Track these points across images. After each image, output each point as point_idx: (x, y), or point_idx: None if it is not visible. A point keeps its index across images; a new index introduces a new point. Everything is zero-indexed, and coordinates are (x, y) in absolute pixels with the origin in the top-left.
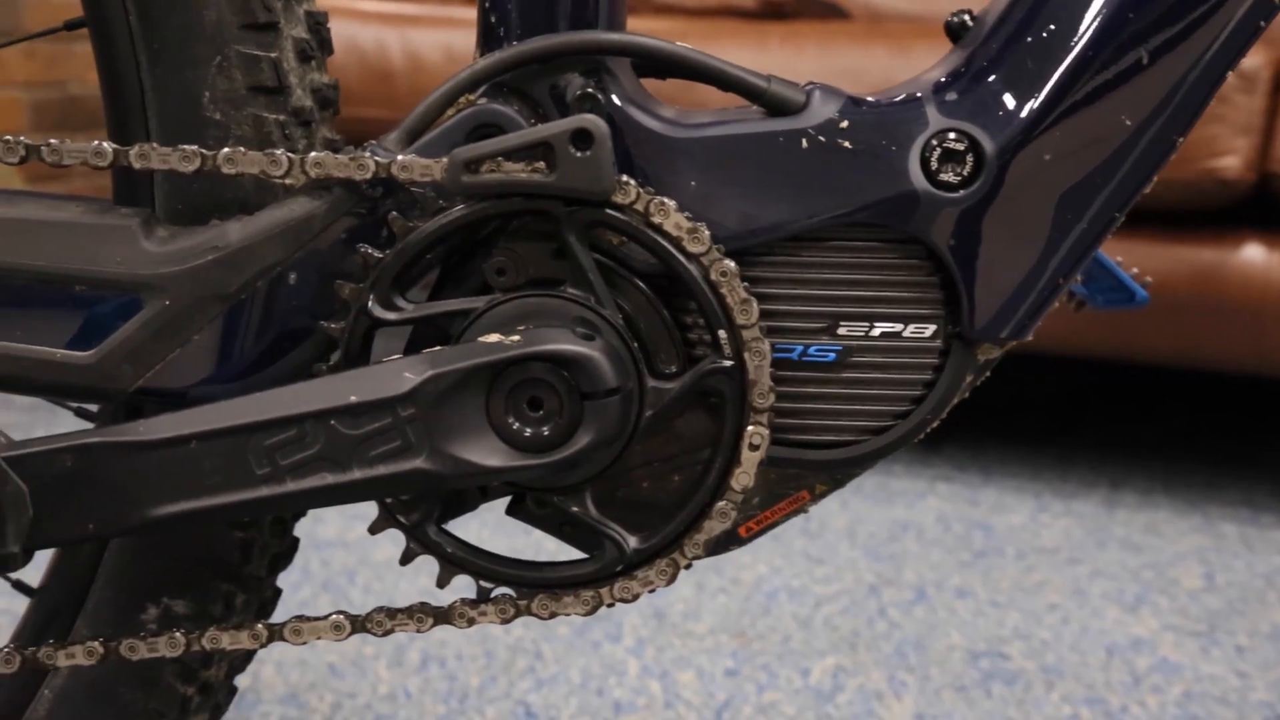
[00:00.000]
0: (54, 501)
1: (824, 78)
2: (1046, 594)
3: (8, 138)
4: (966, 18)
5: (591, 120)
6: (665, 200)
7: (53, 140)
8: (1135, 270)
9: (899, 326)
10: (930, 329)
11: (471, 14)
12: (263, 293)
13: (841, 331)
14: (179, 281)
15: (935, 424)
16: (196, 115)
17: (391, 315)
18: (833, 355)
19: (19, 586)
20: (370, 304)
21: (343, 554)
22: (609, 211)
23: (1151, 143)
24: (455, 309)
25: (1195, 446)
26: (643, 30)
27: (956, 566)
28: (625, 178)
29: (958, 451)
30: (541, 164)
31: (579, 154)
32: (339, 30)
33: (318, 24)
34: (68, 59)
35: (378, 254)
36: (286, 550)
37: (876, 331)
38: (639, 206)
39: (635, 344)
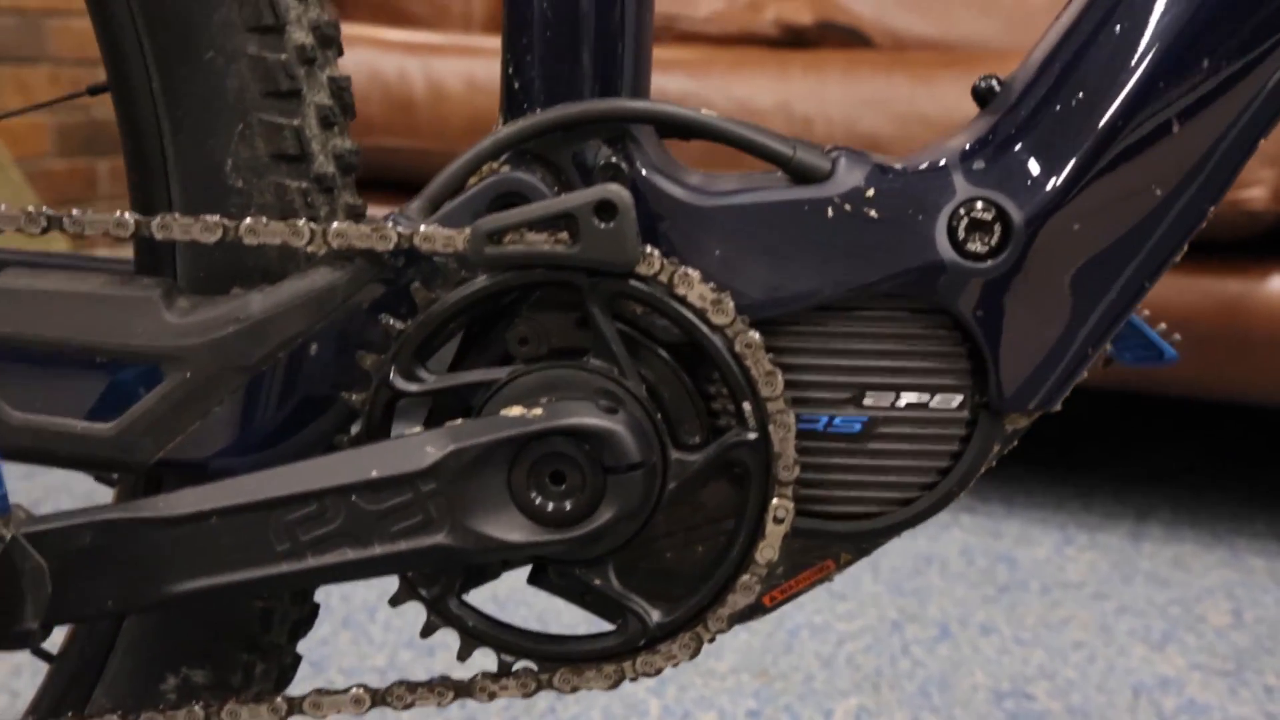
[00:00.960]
0: (74, 578)
1: (847, 107)
2: (1072, 630)
3: (30, 209)
4: (994, 83)
5: (615, 191)
6: (689, 271)
7: (75, 211)
8: (1163, 326)
9: (925, 397)
10: (957, 400)
11: (494, 43)
12: (284, 363)
13: (867, 402)
14: (200, 354)
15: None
16: (219, 183)
17: (413, 386)
18: (858, 426)
19: (38, 652)
20: (392, 375)
21: (363, 589)
22: (633, 283)
23: (1183, 212)
24: (477, 380)
25: (1222, 478)
26: (668, 60)
27: (981, 602)
28: (649, 248)
29: (980, 482)
30: (565, 234)
31: (602, 225)
32: (361, 59)
33: (340, 89)
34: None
35: (399, 325)
36: (307, 617)
37: (902, 402)
38: (663, 277)
39: (659, 415)
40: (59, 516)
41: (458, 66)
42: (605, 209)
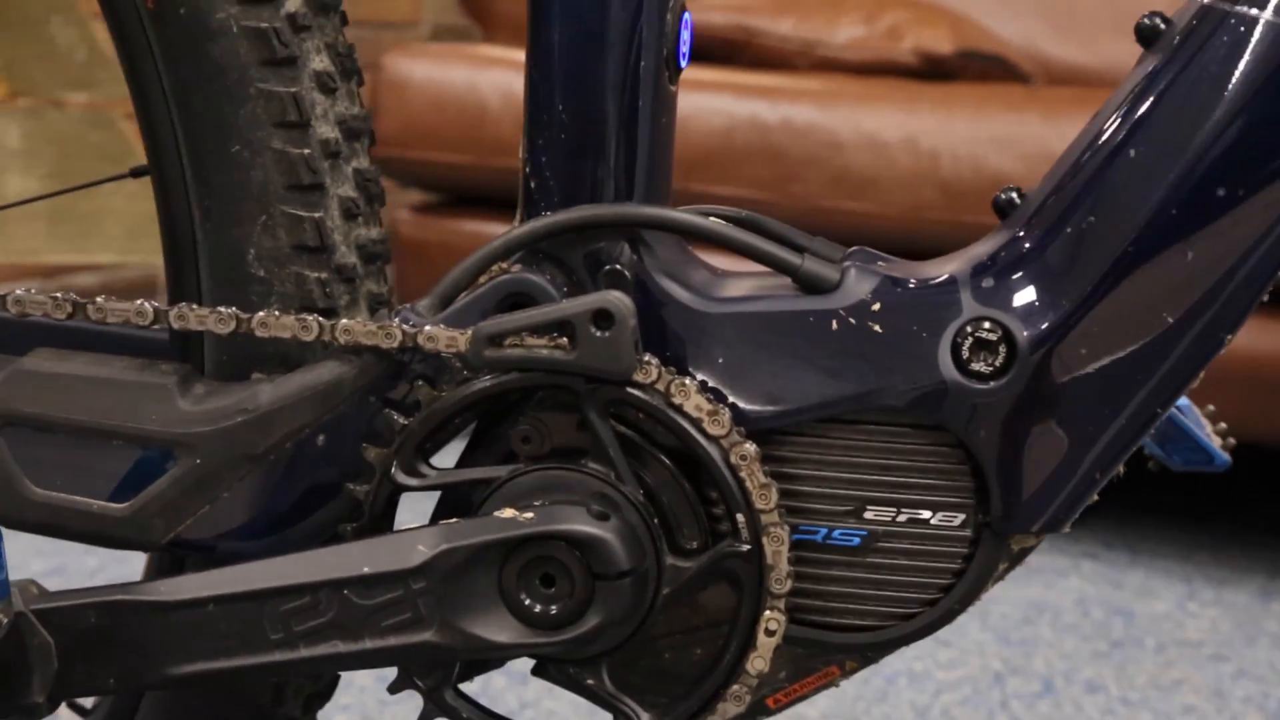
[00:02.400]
0: (79, 655)
1: (974, 144)
2: (1184, 694)
3: (56, 295)
4: (1015, 195)
5: (613, 300)
6: (685, 381)
7: (99, 298)
8: (1223, 425)
9: (927, 514)
10: (959, 518)
11: None
12: (291, 452)
13: (868, 516)
14: (210, 441)
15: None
16: (242, 271)
17: (414, 481)
18: (857, 540)
19: (73, 706)
20: (394, 470)
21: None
22: (630, 390)
23: (1196, 340)
24: (476, 478)
25: None
26: (796, 90)
27: (1090, 656)
28: (647, 357)
29: (1106, 527)
30: (564, 340)
31: (599, 334)
32: (497, 80)
33: (367, 180)
34: None
35: (403, 420)
36: (324, 690)
37: (903, 517)
38: (660, 386)
39: (656, 520)
40: (68, 594)
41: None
42: (602, 318)
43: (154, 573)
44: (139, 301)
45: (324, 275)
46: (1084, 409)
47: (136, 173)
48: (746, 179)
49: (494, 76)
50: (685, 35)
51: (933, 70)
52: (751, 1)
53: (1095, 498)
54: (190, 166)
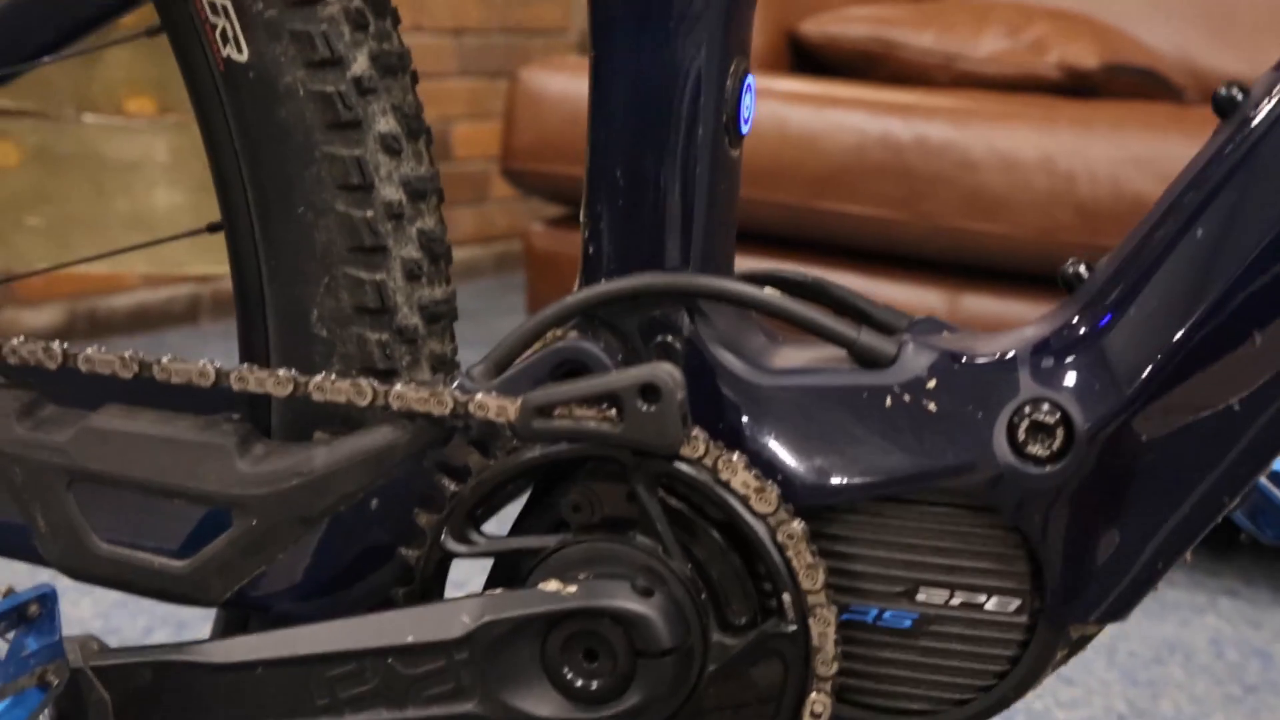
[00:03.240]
0: (133, 711)
1: (1113, 165)
2: None
3: (125, 354)
4: (1082, 268)
5: (660, 374)
6: (733, 457)
7: (164, 358)
8: None
9: (981, 598)
10: (1015, 603)
11: (780, 85)
12: (345, 516)
13: (920, 598)
14: (265, 503)
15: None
16: (305, 330)
17: (463, 549)
18: (909, 622)
19: None
20: (444, 537)
21: None
22: (677, 464)
23: (1266, 428)
24: (525, 547)
25: None
26: (929, 106)
27: (1221, 701)
28: (695, 431)
29: (1248, 561)
30: (614, 411)
31: (646, 408)
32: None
33: (431, 241)
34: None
35: (454, 487)
36: None
37: (957, 601)
38: (707, 461)
39: (704, 595)
40: (125, 652)
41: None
42: (649, 391)
43: (220, 629)
44: (202, 362)
45: (385, 337)
46: (1145, 498)
47: (213, 228)
48: (877, 197)
49: None
50: (748, 100)
51: (1077, 86)
52: (892, 13)
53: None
54: (259, 225)
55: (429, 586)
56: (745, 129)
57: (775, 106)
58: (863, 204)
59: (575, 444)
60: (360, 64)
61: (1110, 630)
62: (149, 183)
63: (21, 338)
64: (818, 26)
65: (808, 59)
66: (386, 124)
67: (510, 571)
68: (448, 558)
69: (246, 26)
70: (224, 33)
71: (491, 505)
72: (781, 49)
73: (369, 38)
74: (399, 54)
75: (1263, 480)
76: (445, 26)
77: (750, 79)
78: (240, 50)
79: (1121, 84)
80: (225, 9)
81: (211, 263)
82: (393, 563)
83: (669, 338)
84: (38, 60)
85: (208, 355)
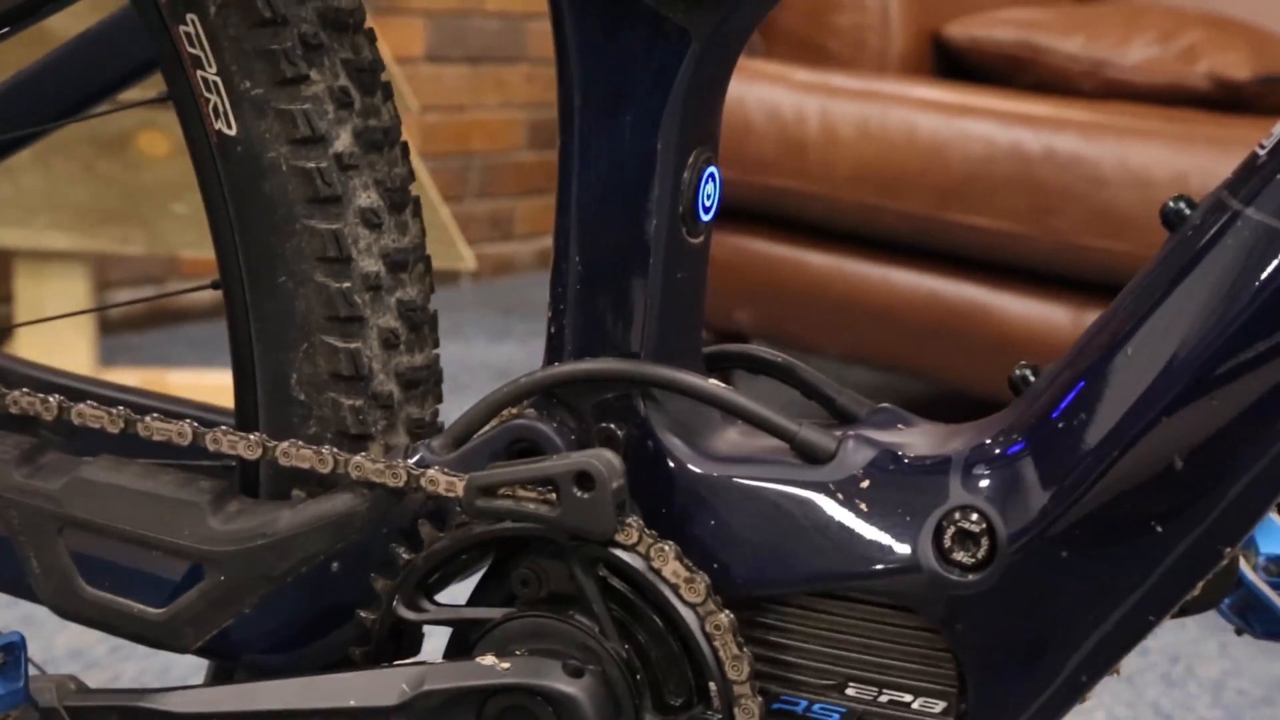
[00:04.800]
0: None
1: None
2: None
3: (114, 409)
4: (1029, 373)
5: (595, 463)
6: (665, 546)
7: (148, 417)
8: None
9: (908, 697)
10: (940, 705)
11: (894, 88)
12: (307, 576)
13: (849, 692)
14: (233, 560)
15: None
16: (285, 393)
17: (414, 616)
18: (837, 716)
19: None
20: (396, 603)
21: None
22: (613, 550)
23: (1189, 552)
24: (473, 618)
25: None
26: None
27: None
28: (631, 519)
29: None
30: (554, 494)
31: (581, 494)
32: (763, 95)
33: (411, 310)
34: None
35: (407, 555)
36: None
37: (885, 699)
38: (640, 549)
39: (641, 676)
40: (98, 694)
41: (851, 110)
42: (584, 479)
43: (210, 677)
44: (182, 423)
45: (359, 403)
46: (1068, 613)
47: (216, 285)
48: (1003, 210)
49: (760, 93)
50: (709, 189)
51: (1227, 98)
52: (1041, 17)
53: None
54: (248, 289)
55: (384, 649)
56: (706, 217)
57: (905, 114)
58: (988, 216)
59: (519, 523)
60: (343, 141)
61: (1219, 666)
62: None
63: (24, 390)
64: (963, 29)
65: (951, 62)
66: (367, 199)
67: (462, 640)
68: (399, 624)
69: (234, 103)
70: (215, 108)
71: (448, 574)
72: (924, 52)
73: (353, 115)
74: (385, 129)
75: (1248, 575)
76: None
77: (713, 169)
78: (230, 125)
79: (1275, 98)
80: (216, 85)
81: None
82: (353, 622)
83: (613, 424)
84: (57, 123)
85: None
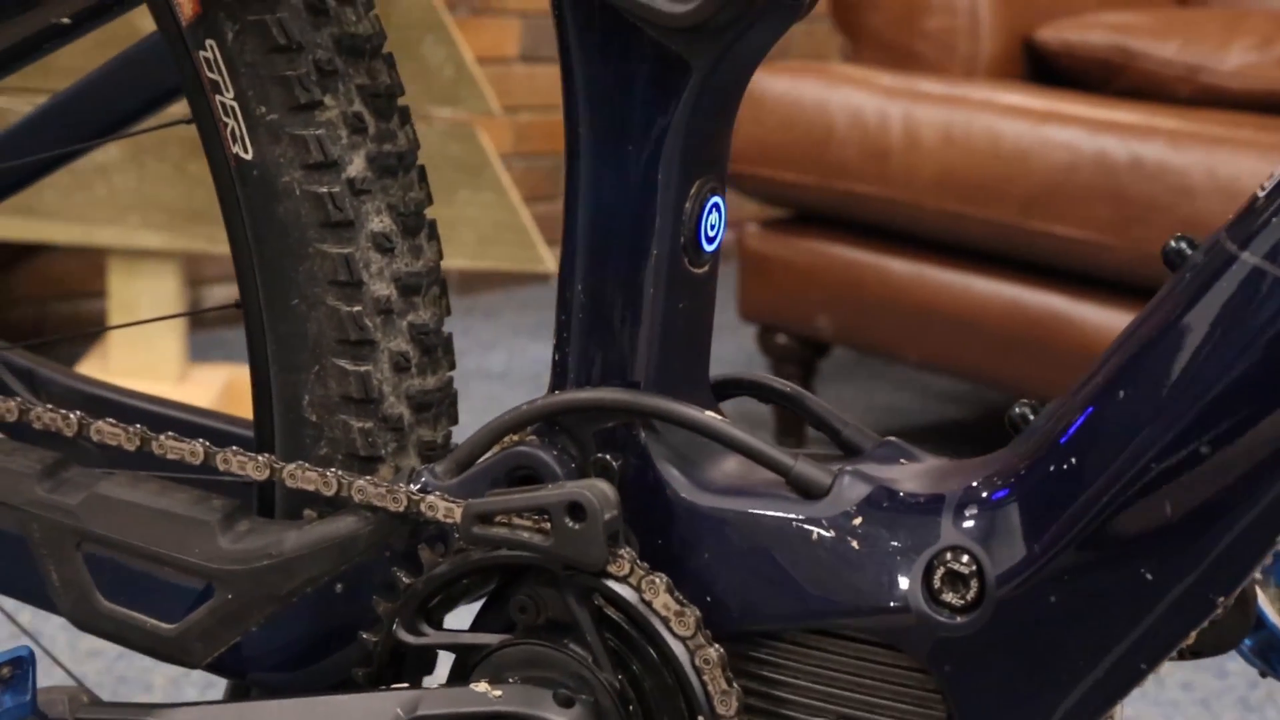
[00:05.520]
0: None
1: None
2: None
3: (131, 428)
4: (1028, 411)
5: (587, 494)
6: (656, 579)
7: (163, 436)
8: None
9: None
10: None
11: (981, 94)
12: (312, 597)
13: None
14: (240, 579)
15: None
16: (298, 414)
17: (412, 639)
18: None
19: None
20: (396, 627)
21: None
22: (605, 580)
23: (1180, 601)
24: (470, 643)
25: None
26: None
27: None
28: (623, 550)
29: None
30: (547, 524)
31: (572, 525)
32: (846, 100)
33: (423, 334)
34: None
35: (406, 579)
36: None
37: None
38: (632, 580)
39: (634, 706)
40: (108, 707)
41: (935, 116)
42: (576, 510)
43: (228, 693)
44: (194, 442)
45: (369, 425)
46: (1056, 659)
47: (238, 305)
48: (1086, 219)
49: (844, 97)
50: (713, 219)
51: None
52: (1136, 21)
53: None
54: (264, 311)
55: (385, 671)
56: (710, 247)
57: (989, 120)
58: (1072, 225)
59: (514, 551)
60: (356, 165)
61: None
62: None
63: (47, 406)
64: (1055, 33)
65: (1043, 67)
66: (380, 223)
67: (462, 664)
68: (399, 647)
69: (251, 128)
70: (233, 132)
71: (450, 598)
72: (1015, 56)
73: (367, 140)
74: (400, 153)
75: (1269, 615)
76: None
77: (716, 199)
78: (246, 150)
79: None
80: (234, 110)
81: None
82: (356, 644)
83: (610, 454)
84: (87, 145)
85: (448, 329)
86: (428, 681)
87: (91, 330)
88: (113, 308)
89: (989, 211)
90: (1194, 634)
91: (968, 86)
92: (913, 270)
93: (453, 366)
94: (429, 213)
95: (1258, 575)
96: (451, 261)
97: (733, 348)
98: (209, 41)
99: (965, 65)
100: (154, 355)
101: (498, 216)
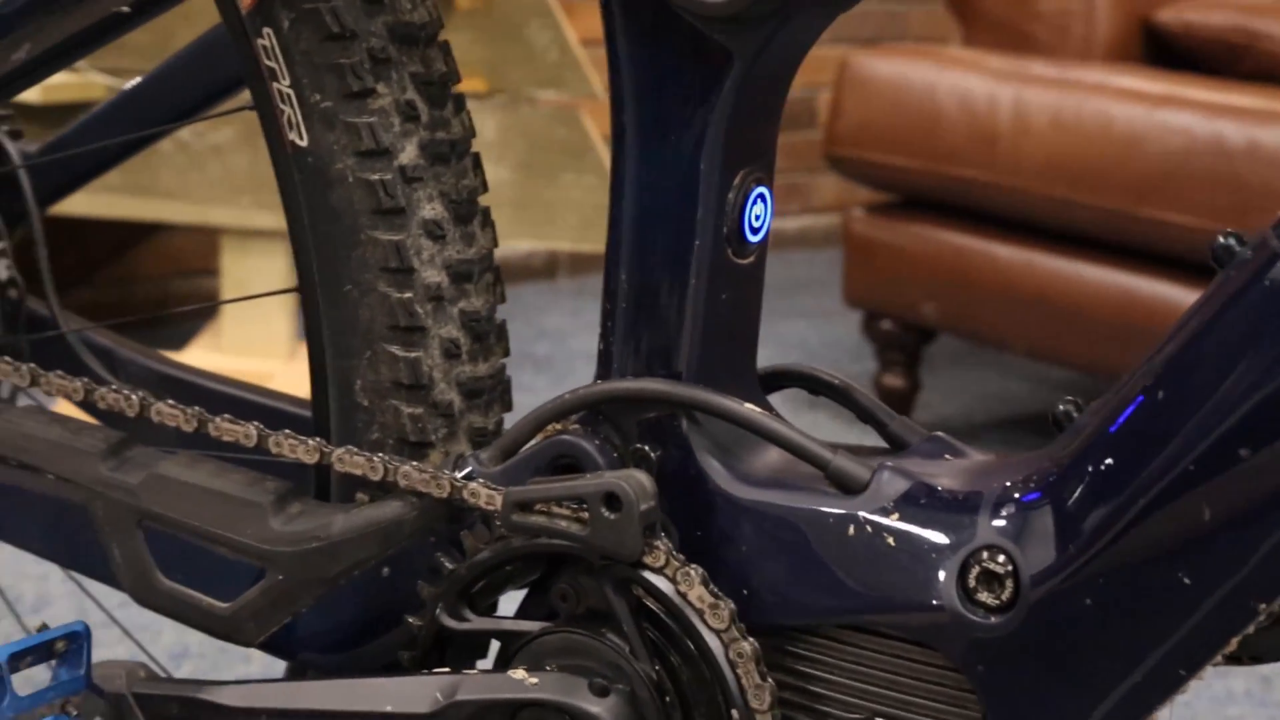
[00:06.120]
0: None
1: None
2: None
3: (189, 409)
4: (1073, 409)
5: (623, 484)
6: (690, 571)
7: (219, 418)
8: None
9: None
10: None
11: (1093, 76)
12: (360, 580)
13: None
14: (290, 560)
15: None
16: (351, 399)
17: (455, 624)
18: None
19: None
20: (439, 612)
21: None
22: (642, 571)
23: (1220, 607)
24: (512, 630)
25: None
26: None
27: None
28: (659, 541)
29: None
30: (585, 514)
31: (609, 515)
32: (955, 83)
33: (474, 320)
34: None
35: (450, 565)
36: None
37: None
38: (668, 572)
39: (670, 697)
40: (163, 683)
41: (1046, 99)
42: (612, 500)
43: (288, 672)
44: (249, 425)
45: (419, 411)
46: (1091, 664)
47: (296, 289)
48: (1201, 206)
49: (953, 80)
50: (758, 210)
51: None
52: (1260, 1)
53: None
54: (321, 296)
55: (430, 655)
56: (755, 238)
57: (1100, 103)
58: (1186, 213)
59: (552, 540)
60: (408, 153)
61: None
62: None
63: (111, 386)
64: (1175, 14)
65: (1163, 49)
66: (432, 210)
67: (505, 651)
68: (443, 632)
69: (306, 116)
70: (289, 119)
71: (494, 584)
72: (1133, 38)
73: (420, 128)
74: (453, 141)
75: None
76: None
77: (761, 189)
78: (302, 137)
79: None
80: (290, 98)
81: (530, 237)
82: (401, 628)
83: (649, 445)
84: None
85: (559, 310)
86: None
87: (155, 314)
88: (226, 285)
89: (1099, 198)
90: (1236, 640)
91: (1079, 69)
92: (1020, 257)
93: (506, 353)
94: (534, 193)
95: None
96: (555, 243)
97: (840, 333)
98: (266, 29)
99: (1080, 48)
100: (266, 333)
101: (600, 199)
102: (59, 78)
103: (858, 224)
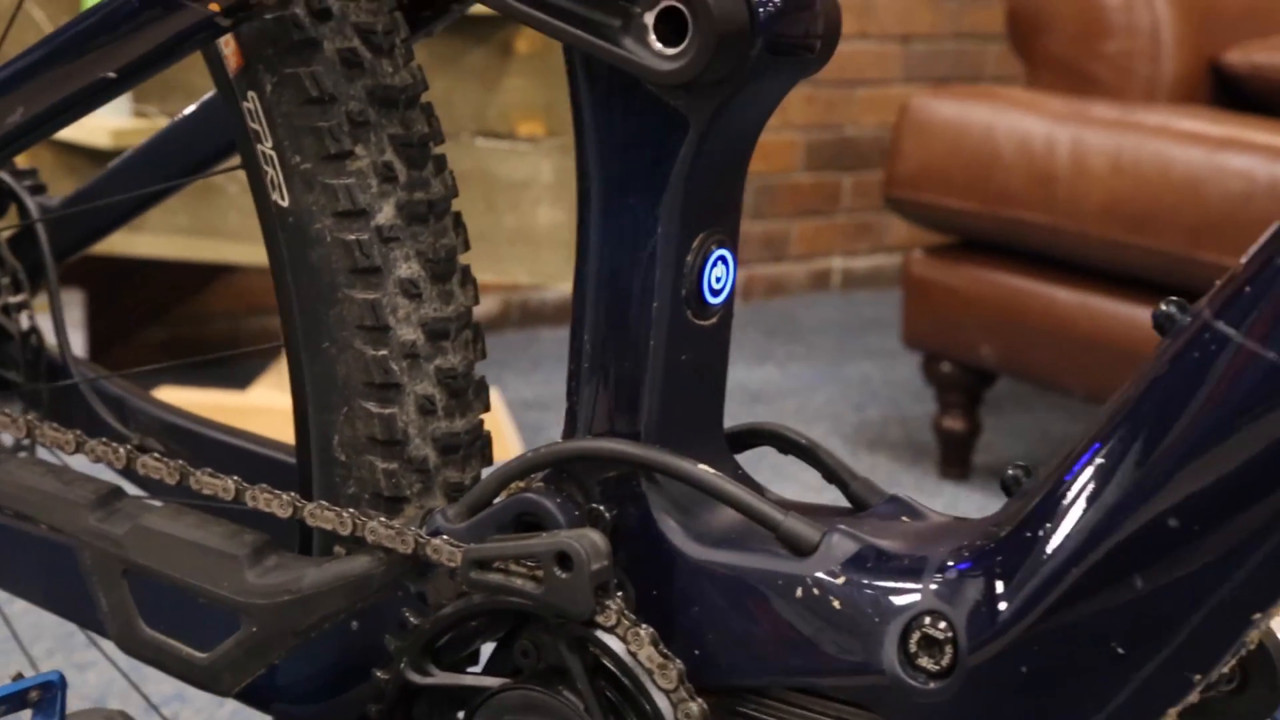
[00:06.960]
0: None
1: None
2: None
3: (171, 462)
4: (1021, 474)
5: (574, 545)
6: (641, 630)
7: (199, 472)
8: None
9: None
10: None
11: (1154, 119)
12: (330, 633)
13: None
14: (263, 613)
15: None
16: (330, 454)
17: (419, 680)
18: None
19: None
20: (403, 666)
21: None
22: (594, 630)
23: (1153, 679)
24: (473, 685)
25: None
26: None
27: None
28: (610, 601)
29: None
30: (540, 572)
31: (561, 574)
32: (1014, 125)
33: (450, 377)
34: (846, 104)
35: (415, 620)
36: None
37: None
38: (619, 631)
39: None
40: None
41: (1104, 141)
42: (564, 560)
43: None
44: (228, 479)
45: (394, 466)
46: None
47: (280, 345)
48: None
49: (1011, 122)
50: (719, 272)
51: None
52: None
53: None
54: (302, 352)
55: (394, 709)
56: (716, 300)
57: (1159, 146)
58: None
59: (509, 598)
60: (385, 214)
61: None
62: (534, 200)
63: (102, 440)
64: (1243, 55)
65: (1232, 91)
66: (408, 269)
67: (469, 706)
68: (407, 687)
69: (287, 177)
70: (272, 180)
71: (459, 640)
72: (1200, 80)
73: (397, 188)
74: (432, 201)
75: None
76: (892, 33)
77: (723, 251)
78: (284, 197)
79: None
80: (273, 159)
81: None
82: (370, 681)
83: (606, 504)
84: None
85: None
86: None
87: (157, 367)
88: None
89: (1158, 241)
90: (1174, 713)
91: (1139, 111)
92: (1078, 300)
93: (486, 408)
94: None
95: None
96: None
97: (904, 374)
98: (251, 93)
99: (1145, 89)
100: None
101: None
102: (131, 123)
103: (917, 265)
